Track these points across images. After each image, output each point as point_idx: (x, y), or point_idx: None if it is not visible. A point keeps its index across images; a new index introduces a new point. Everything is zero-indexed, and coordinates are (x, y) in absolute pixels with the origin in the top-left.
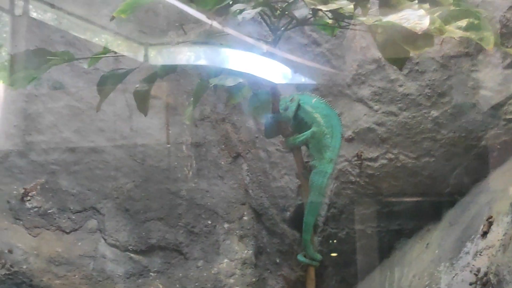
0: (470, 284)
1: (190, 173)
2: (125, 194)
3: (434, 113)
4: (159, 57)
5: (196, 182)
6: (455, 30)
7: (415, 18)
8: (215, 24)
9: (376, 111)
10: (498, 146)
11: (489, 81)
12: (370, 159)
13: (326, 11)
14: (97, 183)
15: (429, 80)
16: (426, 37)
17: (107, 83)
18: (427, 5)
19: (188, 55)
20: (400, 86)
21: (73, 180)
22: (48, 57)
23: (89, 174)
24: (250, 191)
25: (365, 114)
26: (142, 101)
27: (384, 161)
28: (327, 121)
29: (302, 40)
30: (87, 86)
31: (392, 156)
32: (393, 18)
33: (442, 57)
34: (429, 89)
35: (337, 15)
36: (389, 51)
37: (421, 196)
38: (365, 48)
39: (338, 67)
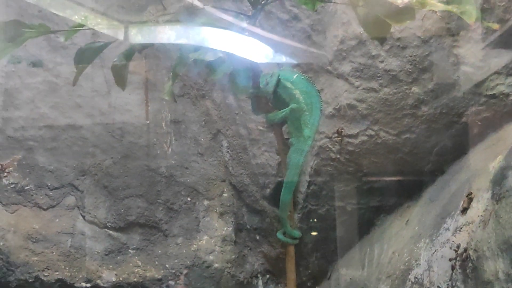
0: (450, 260)
1: (170, 150)
2: (103, 170)
3: (415, 89)
4: (138, 34)
5: (176, 159)
6: (437, 4)
7: None
8: (195, 1)
9: (357, 87)
10: (479, 123)
11: (470, 57)
12: (351, 136)
13: None
14: (75, 159)
15: (410, 56)
16: (408, 10)
17: (84, 57)
18: None
19: (168, 33)
20: (381, 62)
21: (51, 156)
22: (23, 29)
23: (67, 151)
24: (230, 168)
25: (345, 91)
26: (120, 75)
27: (365, 138)
28: (306, 98)
29: (282, 15)
30: (64, 62)
31: (373, 133)
32: None
33: (423, 33)
34: (410, 65)
35: None
36: (371, 26)
37: (401, 173)
38: (346, 24)
39: (319, 43)
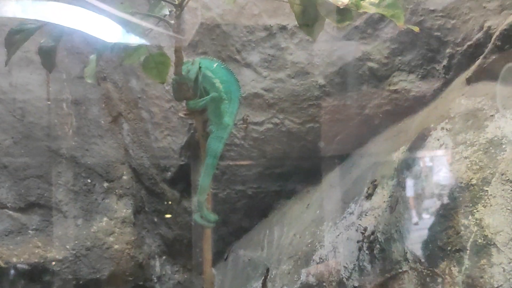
0: (358, 242)
1: (70, 131)
2: (3, 150)
3: (322, 81)
4: None
5: (76, 140)
6: (370, 7)
7: None
8: None
9: (265, 77)
10: (380, 115)
11: (377, 54)
12: (256, 123)
13: None
14: None
15: (318, 50)
16: (347, 11)
17: (16, 39)
18: None
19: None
20: (290, 54)
21: None
22: None
23: None
24: (131, 151)
25: (253, 80)
26: (47, 58)
27: (270, 126)
28: (226, 86)
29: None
30: None
31: (278, 121)
32: None
33: (333, 29)
34: (318, 58)
35: None
36: (305, 22)
37: (302, 159)
38: (257, 16)
39: (229, 33)
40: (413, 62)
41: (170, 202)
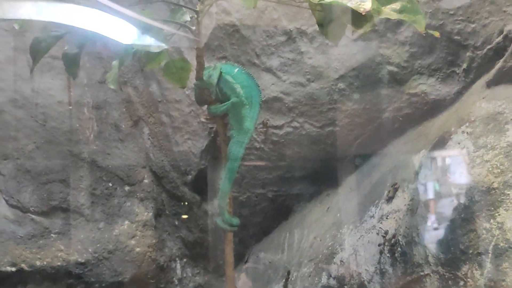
0: (379, 245)
1: (92, 135)
2: (26, 155)
3: (341, 85)
4: None
5: (97, 144)
6: (391, 12)
7: None
8: None
9: (284, 81)
10: (400, 118)
11: (396, 58)
12: (276, 127)
13: None
14: None
15: (338, 54)
16: (368, 17)
17: (41, 46)
18: None
19: (28, 8)
20: (310, 58)
21: None
22: None
23: None
24: (151, 154)
25: (272, 84)
26: (72, 64)
27: (289, 129)
28: (246, 92)
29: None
30: None
31: (298, 125)
32: None
33: (352, 33)
34: (338, 62)
35: None
36: (327, 28)
37: (322, 162)
38: (277, 20)
39: (248, 37)
40: (432, 65)
41: (191, 205)
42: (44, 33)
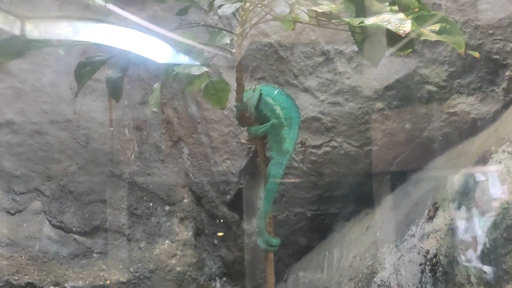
0: (420, 264)
1: (133, 156)
2: (69, 176)
3: (380, 105)
4: (34, 30)
5: (138, 165)
6: (430, 34)
7: (396, 21)
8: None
9: (323, 101)
10: (440, 138)
11: (435, 77)
12: (314, 146)
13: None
14: (41, 165)
15: (376, 74)
16: (408, 39)
17: (85, 71)
18: (396, 7)
19: (66, 29)
20: (348, 78)
21: (17, 161)
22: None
23: (32, 156)
24: (191, 174)
25: (311, 104)
26: (115, 88)
27: (328, 149)
28: (286, 113)
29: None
30: (30, 68)
31: (336, 144)
32: (375, 20)
33: (390, 53)
34: (376, 82)
35: (321, 14)
36: (367, 50)
37: (361, 181)
38: (314, 41)
39: (286, 58)
40: (472, 84)
41: (229, 224)
42: (88, 57)
